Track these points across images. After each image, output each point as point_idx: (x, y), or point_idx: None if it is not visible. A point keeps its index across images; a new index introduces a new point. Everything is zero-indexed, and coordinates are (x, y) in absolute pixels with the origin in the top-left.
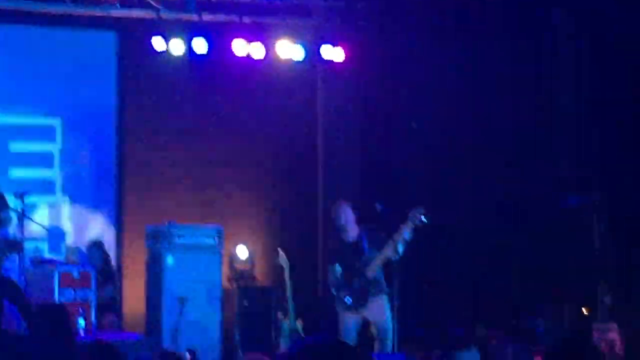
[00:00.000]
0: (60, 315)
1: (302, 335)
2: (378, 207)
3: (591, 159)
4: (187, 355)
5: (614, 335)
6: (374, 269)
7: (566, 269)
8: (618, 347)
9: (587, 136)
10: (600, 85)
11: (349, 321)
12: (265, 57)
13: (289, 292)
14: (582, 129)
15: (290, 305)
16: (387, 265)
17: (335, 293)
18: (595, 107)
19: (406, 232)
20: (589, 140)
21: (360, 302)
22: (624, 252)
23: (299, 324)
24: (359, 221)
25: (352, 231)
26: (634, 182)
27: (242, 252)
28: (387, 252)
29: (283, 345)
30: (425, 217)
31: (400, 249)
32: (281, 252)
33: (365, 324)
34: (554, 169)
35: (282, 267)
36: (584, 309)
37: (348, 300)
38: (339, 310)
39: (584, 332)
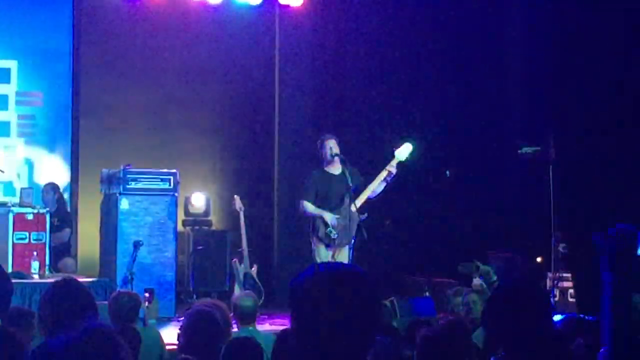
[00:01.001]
0: None
1: (257, 280)
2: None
3: (545, 109)
4: (145, 294)
5: (567, 284)
6: (357, 207)
7: (521, 217)
8: (571, 295)
9: (540, 87)
10: (553, 37)
11: (325, 256)
12: (222, 1)
13: (244, 238)
14: (534, 81)
15: (245, 250)
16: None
17: (319, 230)
18: (548, 57)
19: (393, 171)
20: (542, 91)
21: (344, 242)
22: (578, 201)
23: (253, 270)
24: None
25: (337, 165)
26: (588, 132)
27: (197, 196)
28: (372, 190)
29: (237, 290)
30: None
31: (381, 188)
32: (237, 197)
33: None
34: (508, 120)
35: (237, 212)
36: (537, 258)
37: (334, 234)
38: (315, 242)
39: (531, 279)
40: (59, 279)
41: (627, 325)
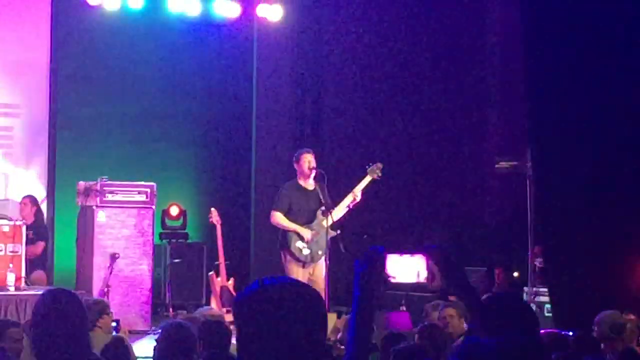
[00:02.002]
0: None
1: (233, 294)
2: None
3: (522, 123)
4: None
5: (544, 298)
6: (333, 222)
7: (498, 232)
8: (547, 310)
9: (517, 101)
10: (530, 50)
11: (298, 274)
12: (201, 14)
13: (220, 251)
14: (511, 95)
15: (222, 263)
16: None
17: (290, 243)
18: (524, 71)
19: (363, 186)
20: (519, 105)
21: (316, 257)
22: (555, 216)
23: (230, 283)
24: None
25: (312, 180)
26: (565, 146)
27: (174, 209)
28: (344, 206)
29: (214, 303)
30: (381, 172)
31: (343, 212)
32: (214, 210)
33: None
34: (485, 134)
35: (214, 225)
36: (514, 273)
37: (306, 250)
38: (287, 258)
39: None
40: (51, 289)
41: (366, 341)
